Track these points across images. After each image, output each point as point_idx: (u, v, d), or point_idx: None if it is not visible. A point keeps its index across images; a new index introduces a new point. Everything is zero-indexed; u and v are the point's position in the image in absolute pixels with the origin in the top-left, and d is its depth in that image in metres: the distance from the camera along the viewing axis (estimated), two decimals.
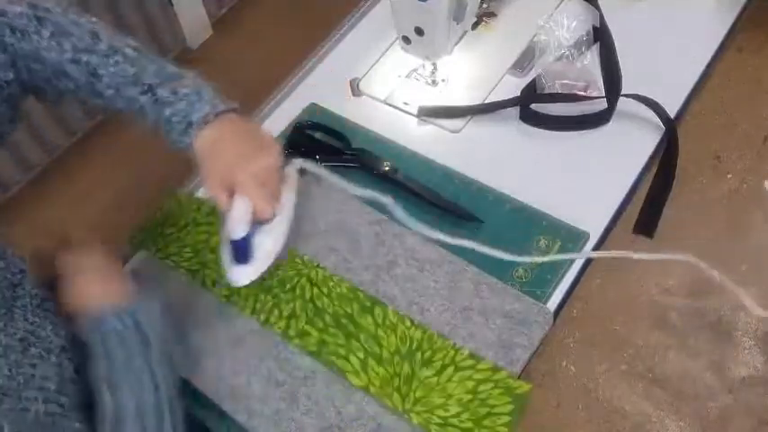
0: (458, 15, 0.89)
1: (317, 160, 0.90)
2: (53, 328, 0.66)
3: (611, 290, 0.80)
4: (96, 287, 0.68)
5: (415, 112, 0.97)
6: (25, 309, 0.65)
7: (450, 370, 0.74)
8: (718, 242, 0.82)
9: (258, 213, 0.70)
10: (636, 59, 0.95)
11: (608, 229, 0.84)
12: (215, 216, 0.89)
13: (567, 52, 0.95)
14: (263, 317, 0.80)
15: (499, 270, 0.81)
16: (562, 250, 0.81)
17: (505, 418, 0.70)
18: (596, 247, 0.82)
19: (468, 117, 0.96)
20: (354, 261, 0.83)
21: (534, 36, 1.00)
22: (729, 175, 0.87)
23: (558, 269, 0.80)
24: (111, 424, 0.62)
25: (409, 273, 0.81)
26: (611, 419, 0.72)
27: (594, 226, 0.83)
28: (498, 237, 0.84)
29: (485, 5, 1.03)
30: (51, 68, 0.70)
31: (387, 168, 0.90)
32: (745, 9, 1.01)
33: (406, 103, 0.99)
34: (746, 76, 0.95)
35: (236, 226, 0.69)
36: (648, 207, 0.85)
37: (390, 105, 1.00)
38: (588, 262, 0.81)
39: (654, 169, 0.88)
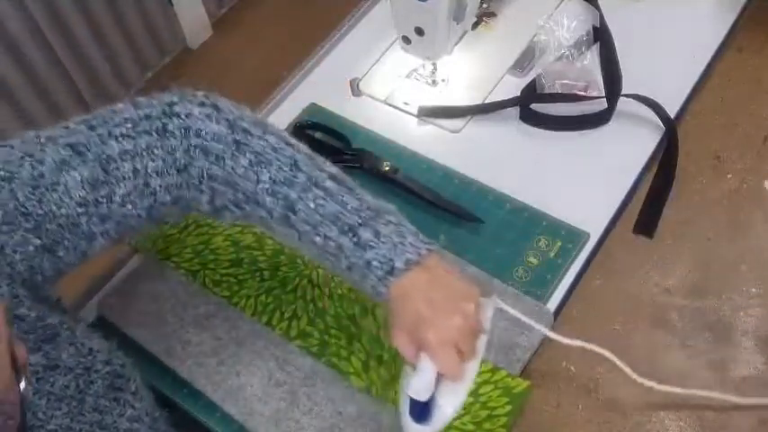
0: (458, 15, 0.89)
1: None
2: (120, 409, 0.61)
3: (611, 290, 0.80)
4: None
5: (415, 112, 0.97)
6: (97, 394, 0.60)
7: None
8: (718, 242, 0.82)
9: (444, 376, 0.61)
10: (636, 59, 0.95)
11: (608, 229, 0.84)
12: None
13: (567, 52, 0.95)
14: (264, 318, 0.80)
15: (499, 270, 0.81)
16: (562, 250, 0.82)
17: (503, 419, 0.70)
18: (596, 247, 0.82)
19: (468, 117, 0.96)
20: None
21: (534, 36, 1.00)
22: (729, 175, 0.87)
23: (557, 269, 0.80)
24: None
25: None
26: (611, 419, 0.72)
27: (594, 226, 0.83)
28: (498, 237, 0.84)
29: (485, 5, 1.03)
30: (243, 195, 0.64)
31: (387, 168, 0.90)
32: (745, 9, 1.01)
33: (406, 103, 0.99)
34: (746, 76, 0.95)
35: (420, 389, 0.62)
36: (648, 207, 0.85)
37: (390, 105, 1.00)
38: (588, 262, 0.82)
39: (654, 169, 0.88)
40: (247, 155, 0.63)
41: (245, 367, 0.77)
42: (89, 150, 0.60)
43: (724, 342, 0.75)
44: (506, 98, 0.95)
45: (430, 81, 1.00)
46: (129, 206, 0.62)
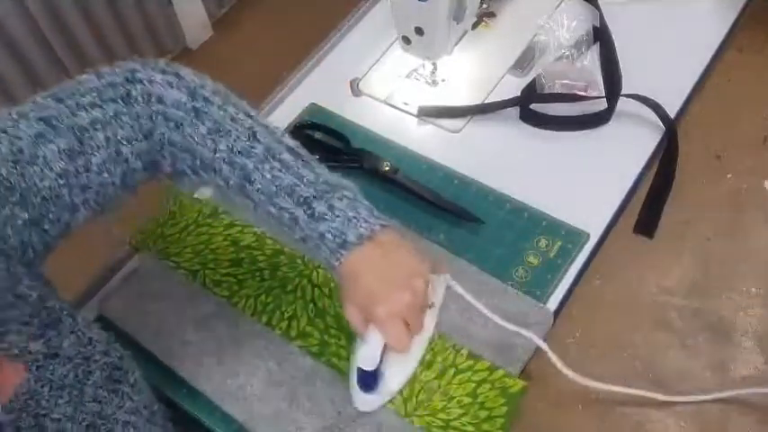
0: (458, 15, 0.89)
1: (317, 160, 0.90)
2: (119, 401, 0.62)
3: (611, 290, 0.80)
4: None
5: (415, 112, 0.97)
6: (96, 385, 0.60)
7: (450, 372, 0.74)
8: (718, 242, 0.82)
9: (392, 348, 0.65)
10: (636, 59, 0.95)
11: (608, 229, 0.84)
12: (215, 217, 0.89)
13: (567, 52, 0.95)
14: (264, 318, 0.80)
15: (499, 270, 0.81)
16: (562, 250, 0.82)
17: (501, 420, 0.70)
18: (596, 247, 0.82)
19: (468, 117, 0.96)
20: None
21: (534, 36, 1.00)
22: (729, 175, 0.87)
23: (557, 269, 0.80)
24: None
25: None
26: (611, 419, 0.72)
27: (594, 226, 0.83)
28: (498, 237, 0.84)
29: (485, 5, 1.03)
30: (201, 162, 0.65)
31: (387, 168, 0.89)
32: (745, 8, 1.01)
33: (406, 103, 0.99)
34: (746, 75, 0.95)
35: (367, 358, 0.65)
36: (648, 207, 0.85)
37: (390, 105, 0.99)
38: (588, 262, 0.81)
39: (654, 169, 0.88)
40: (206, 123, 0.64)
41: (245, 367, 0.77)
42: (61, 123, 0.61)
43: (724, 342, 0.75)
44: (506, 98, 0.95)
45: (430, 81, 1.00)
46: (106, 174, 0.63)
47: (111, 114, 0.63)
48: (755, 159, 0.87)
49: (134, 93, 0.64)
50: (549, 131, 0.93)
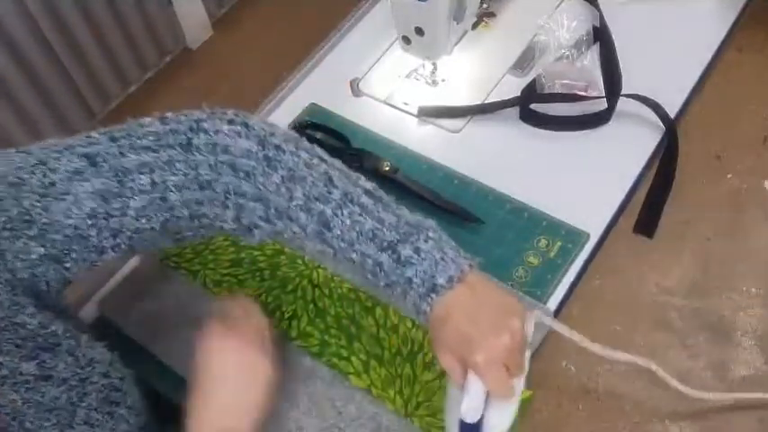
0: (458, 15, 0.89)
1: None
2: (112, 424, 0.60)
3: (611, 290, 0.80)
4: None
5: (415, 112, 0.97)
6: (90, 407, 0.58)
7: None
8: (718, 242, 0.82)
9: (494, 395, 0.59)
10: (636, 59, 0.95)
11: (608, 229, 0.84)
12: None
13: (567, 52, 0.95)
14: None
15: (499, 270, 0.81)
16: (562, 250, 0.82)
17: None
18: (596, 247, 0.82)
19: (468, 117, 0.96)
20: None
21: (534, 36, 1.00)
22: (729, 175, 0.87)
23: (557, 269, 0.80)
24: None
25: None
26: (611, 419, 0.72)
27: (594, 226, 0.83)
28: (498, 237, 0.84)
29: (485, 5, 1.03)
30: (275, 211, 0.62)
31: (387, 168, 0.90)
32: (745, 8, 1.01)
33: (406, 103, 0.99)
34: (746, 75, 0.95)
35: (470, 410, 0.59)
36: (648, 207, 0.85)
37: (390, 105, 1.00)
38: (588, 262, 0.82)
39: (654, 169, 0.88)
40: (279, 171, 0.62)
41: None
42: (106, 162, 0.60)
43: (724, 342, 0.75)
44: (506, 98, 0.95)
45: (430, 81, 1.00)
46: (144, 220, 0.61)
47: (165, 160, 0.61)
48: (755, 159, 0.87)
49: (196, 141, 0.62)
50: (549, 131, 0.93)
